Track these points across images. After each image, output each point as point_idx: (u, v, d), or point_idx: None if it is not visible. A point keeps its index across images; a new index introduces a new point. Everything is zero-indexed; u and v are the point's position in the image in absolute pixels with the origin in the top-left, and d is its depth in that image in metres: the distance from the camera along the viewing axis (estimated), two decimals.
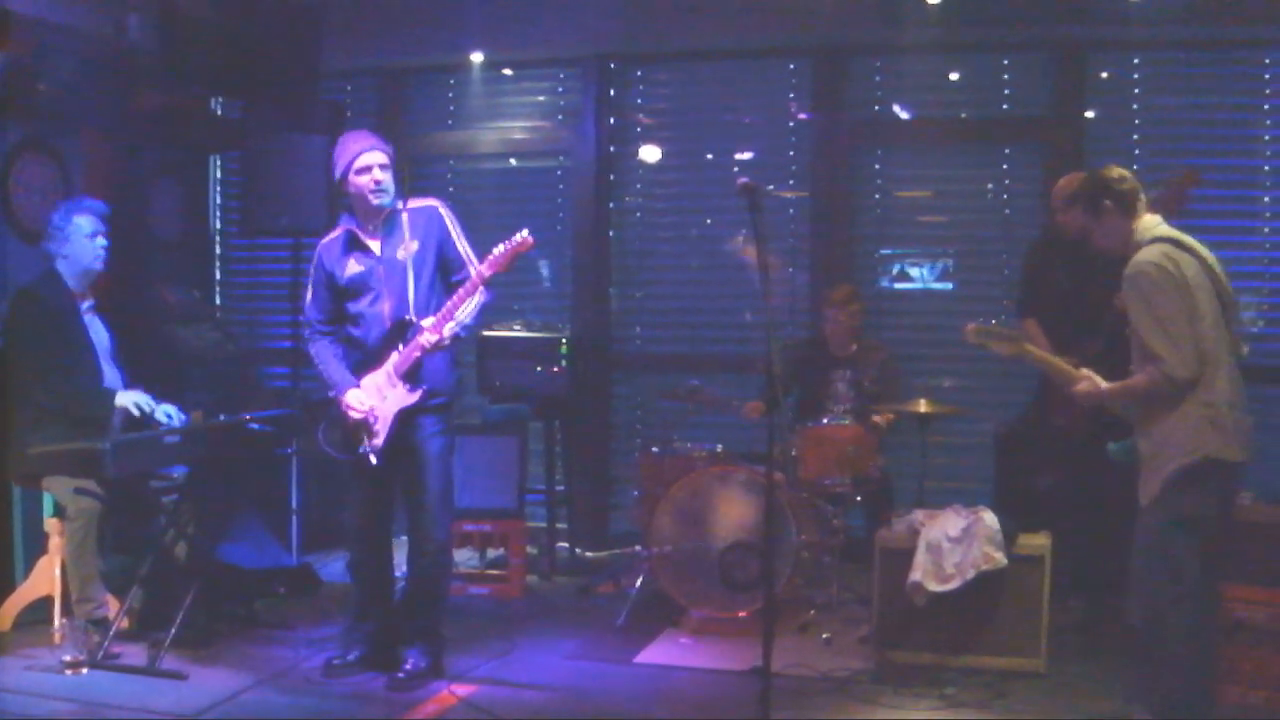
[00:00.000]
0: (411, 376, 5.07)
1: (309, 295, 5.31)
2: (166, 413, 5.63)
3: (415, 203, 5.21)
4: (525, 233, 4.88)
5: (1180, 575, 4.25)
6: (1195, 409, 4.21)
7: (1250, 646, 4.80)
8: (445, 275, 5.17)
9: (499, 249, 4.89)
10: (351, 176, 5.08)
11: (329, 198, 7.02)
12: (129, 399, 5.52)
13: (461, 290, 4.98)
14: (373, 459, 5.13)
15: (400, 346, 5.06)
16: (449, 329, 4.97)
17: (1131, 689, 4.56)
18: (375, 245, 5.13)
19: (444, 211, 5.19)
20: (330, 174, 5.30)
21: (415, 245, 5.09)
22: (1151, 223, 4.41)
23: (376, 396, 5.09)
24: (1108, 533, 5.05)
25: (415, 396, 5.06)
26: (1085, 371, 4.53)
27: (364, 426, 5.11)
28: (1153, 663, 4.30)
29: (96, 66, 6.67)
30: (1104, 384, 4.44)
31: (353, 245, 5.16)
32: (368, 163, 5.05)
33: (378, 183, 5.05)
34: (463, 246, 5.15)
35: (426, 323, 4.98)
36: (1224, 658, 4.74)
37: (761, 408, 6.48)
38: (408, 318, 5.06)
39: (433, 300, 5.12)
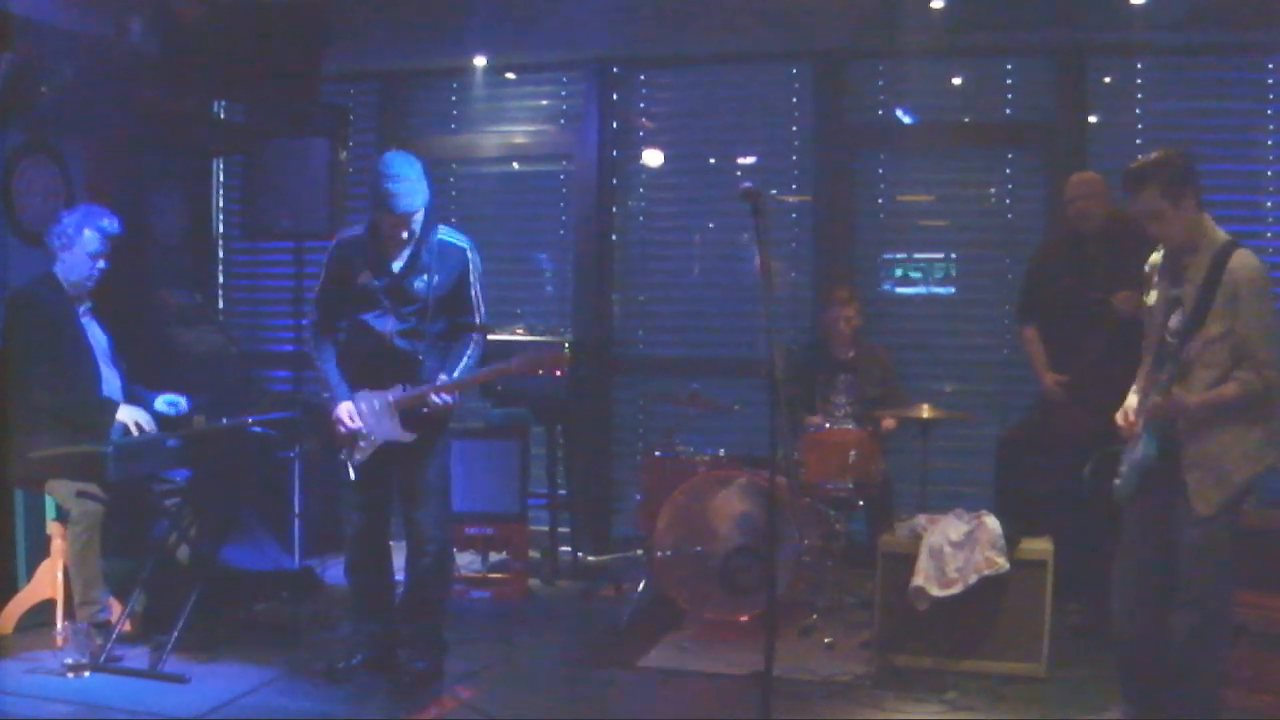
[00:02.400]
0: (410, 416, 5.07)
1: (319, 286, 5.26)
2: (169, 401, 5.63)
3: (448, 235, 5.17)
4: (565, 353, 5.00)
5: (1232, 581, 4.28)
6: (1268, 417, 4.17)
7: (1251, 651, 4.79)
8: (451, 315, 5.17)
9: (537, 356, 5.05)
10: (386, 219, 4.98)
11: (331, 201, 7.03)
12: (130, 416, 5.52)
13: (485, 372, 5.14)
14: (351, 472, 5.14)
15: (403, 382, 5.06)
16: (458, 391, 5.07)
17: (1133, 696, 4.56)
18: (396, 265, 5.09)
19: (471, 256, 5.17)
20: (363, 185, 5.30)
21: (436, 279, 5.08)
22: (1212, 221, 4.28)
23: (370, 417, 5.09)
24: (1110, 538, 5.03)
25: (410, 438, 5.08)
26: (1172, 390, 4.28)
27: (348, 439, 5.11)
28: (1191, 670, 4.27)
29: (99, 69, 6.67)
30: (1193, 395, 4.18)
31: (373, 256, 5.11)
32: (398, 223, 4.96)
33: (404, 238, 5.01)
34: (476, 295, 5.17)
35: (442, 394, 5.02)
36: (1224, 662, 4.74)
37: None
38: (411, 350, 5.08)
39: (434, 333, 5.14)
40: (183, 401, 5.68)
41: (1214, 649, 4.27)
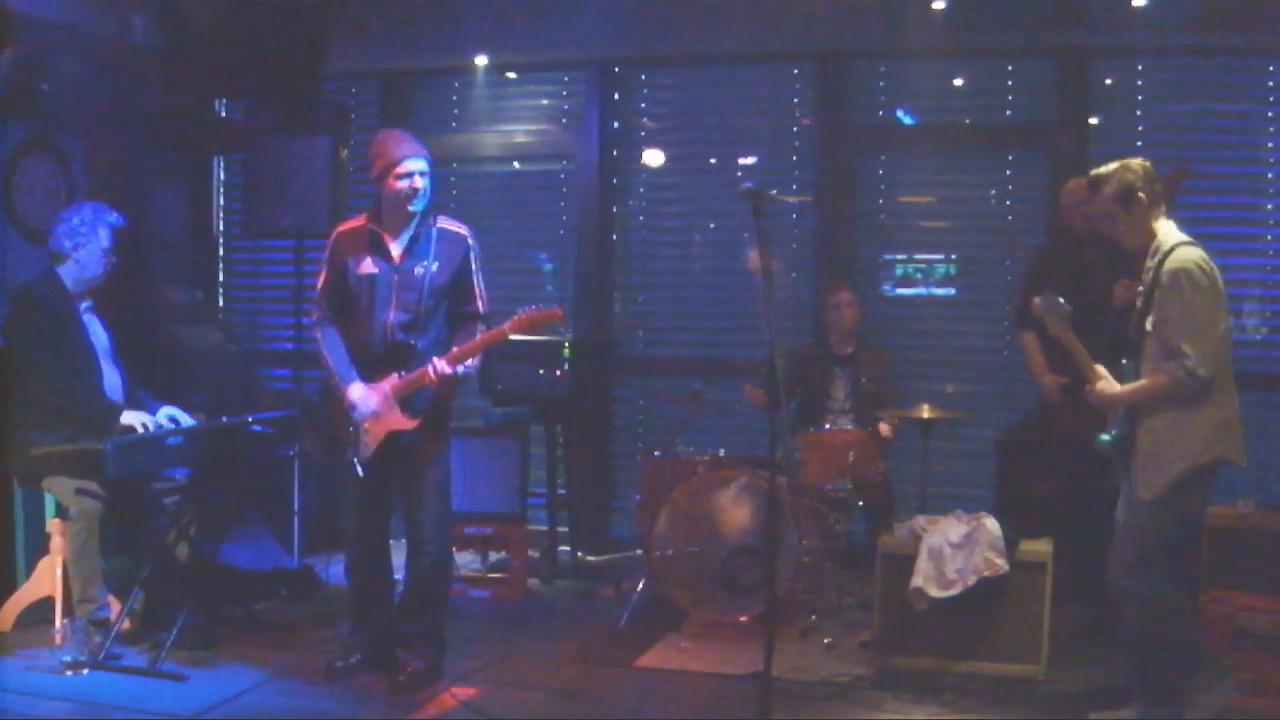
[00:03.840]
0: (410, 403, 5.06)
1: (321, 279, 5.25)
2: (169, 416, 5.63)
3: (447, 223, 5.18)
4: (557, 308, 4.99)
5: (1174, 568, 4.45)
6: (1211, 410, 4.33)
7: (1250, 654, 4.80)
8: (452, 303, 5.16)
9: (528, 312, 4.93)
10: (390, 179, 5.02)
11: (332, 200, 7.03)
12: (135, 419, 5.52)
13: (480, 336, 5.03)
14: (359, 469, 5.13)
15: (400, 371, 5.04)
16: (461, 367, 5.00)
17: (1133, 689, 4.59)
18: (396, 252, 5.10)
19: (471, 243, 5.17)
20: (366, 171, 5.18)
21: (435, 266, 5.08)
22: (1172, 225, 4.50)
23: (370, 409, 5.09)
24: (1109, 539, 5.04)
25: (412, 424, 5.05)
26: (1101, 370, 4.56)
27: (353, 435, 5.10)
28: (1137, 646, 4.50)
29: (101, 67, 6.68)
30: (1119, 386, 4.50)
31: (373, 244, 5.12)
32: (411, 169, 5.01)
33: (416, 190, 5.03)
34: (478, 281, 5.16)
35: (439, 361, 4.95)
36: (1225, 664, 4.75)
37: (762, 394, 6.48)
38: (410, 342, 5.06)
39: (434, 324, 5.13)
40: (184, 417, 5.68)
41: (1150, 639, 4.45)
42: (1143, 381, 4.43)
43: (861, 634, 5.84)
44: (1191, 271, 4.30)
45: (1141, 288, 4.52)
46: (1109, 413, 4.62)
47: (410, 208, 5.05)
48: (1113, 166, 4.58)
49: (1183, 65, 7.21)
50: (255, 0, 6.99)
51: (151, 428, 5.54)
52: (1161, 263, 4.37)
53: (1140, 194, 4.46)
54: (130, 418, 5.51)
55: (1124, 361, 4.55)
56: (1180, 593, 4.51)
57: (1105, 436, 4.58)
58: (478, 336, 5.07)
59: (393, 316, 5.08)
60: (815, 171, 7.74)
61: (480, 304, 5.16)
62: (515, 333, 4.96)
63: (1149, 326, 4.40)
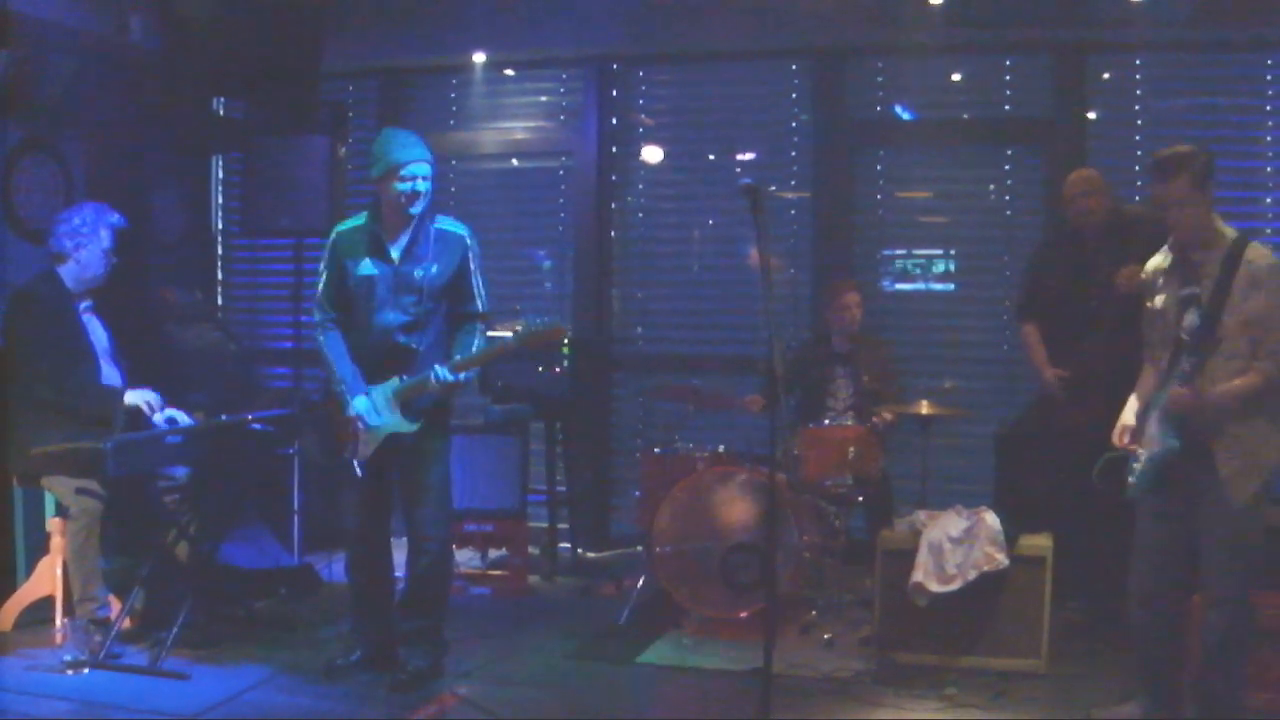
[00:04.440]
0: (411, 405, 5.05)
1: (321, 282, 5.21)
2: (169, 417, 5.63)
3: (446, 223, 5.17)
4: (561, 326, 4.99)
5: (1256, 579, 4.32)
6: None
7: (1252, 649, 4.79)
8: (451, 304, 5.15)
9: (536, 329, 4.92)
10: (393, 181, 5.00)
11: (330, 198, 7.03)
12: (139, 397, 5.52)
13: (486, 350, 5.05)
14: (357, 469, 5.12)
15: (401, 374, 5.03)
16: (464, 375, 5.00)
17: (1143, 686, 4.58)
18: (395, 253, 5.08)
19: (470, 243, 5.15)
20: (368, 169, 5.15)
21: (435, 268, 5.07)
22: (1222, 221, 4.33)
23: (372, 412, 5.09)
24: (1109, 534, 5.04)
25: (413, 428, 5.05)
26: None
27: (352, 435, 5.09)
28: (1217, 669, 4.31)
29: (98, 67, 6.68)
30: (1200, 392, 4.19)
31: (372, 245, 5.10)
32: (414, 173, 4.99)
33: (418, 195, 5.01)
34: (477, 282, 5.15)
35: (442, 368, 4.94)
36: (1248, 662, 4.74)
37: (761, 400, 6.49)
38: (410, 344, 5.06)
39: (434, 325, 5.12)
40: (184, 418, 5.68)
41: (1242, 648, 4.31)
42: (1234, 382, 4.16)
43: (862, 630, 5.84)
44: None
45: (1196, 286, 4.26)
46: (1117, 442, 4.46)
47: (411, 210, 5.04)
48: (1187, 148, 4.29)
49: (1181, 60, 7.21)
50: None
51: (156, 405, 5.55)
52: (1236, 255, 4.17)
53: (1210, 183, 4.25)
54: (134, 396, 5.50)
55: (1183, 363, 4.24)
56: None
57: (1157, 446, 4.30)
58: (477, 340, 5.07)
59: (392, 318, 5.06)
60: (813, 167, 7.74)
61: (479, 303, 5.16)
62: (520, 347, 4.99)
63: (1233, 323, 4.15)
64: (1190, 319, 4.28)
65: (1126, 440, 4.46)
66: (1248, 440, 4.19)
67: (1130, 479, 4.41)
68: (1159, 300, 4.42)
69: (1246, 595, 4.27)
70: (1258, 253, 4.19)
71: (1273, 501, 5.23)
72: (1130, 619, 4.52)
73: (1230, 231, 4.26)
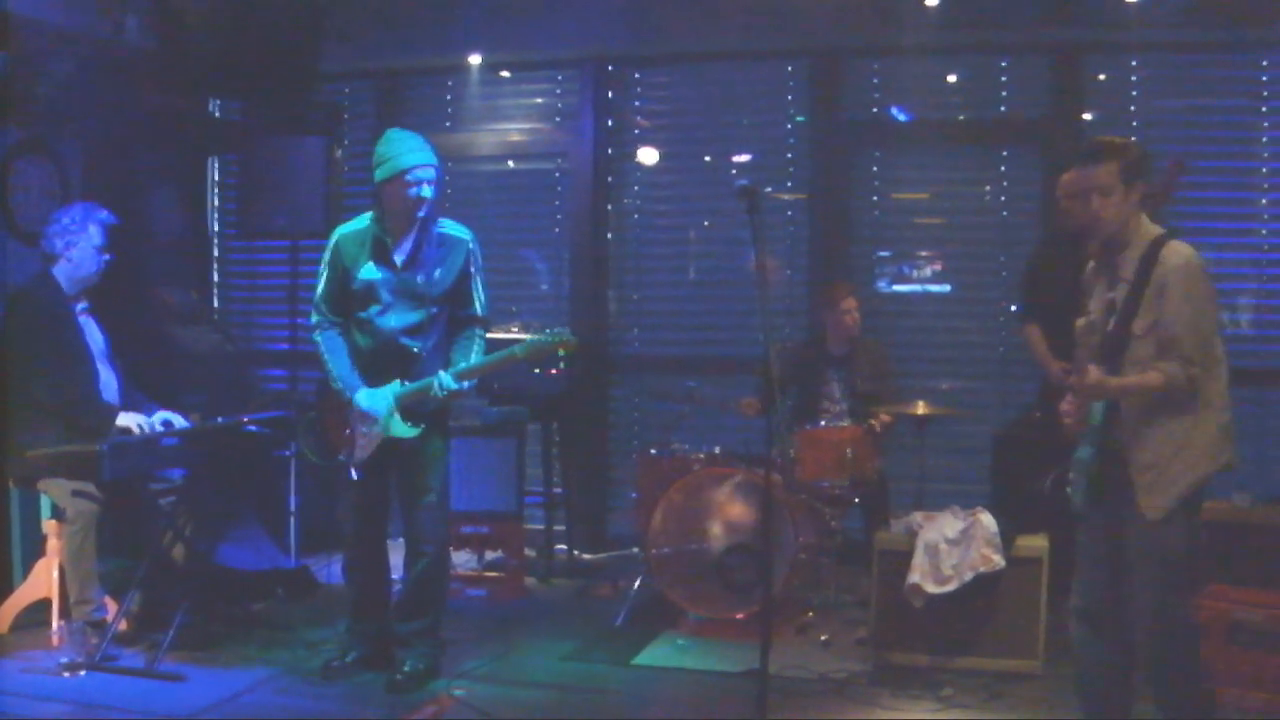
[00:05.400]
0: (411, 410, 5.04)
1: (321, 282, 5.18)
2: (163, 420, 5.63)
3: (449, 227, 5.16)
4: (570, 339, 4.96)
5: (1192, 584, 4.18)
6: (1213, 415, 3.99)
7: (1248, 648, 4.80)
8: (452, 307, 5.15)
9: (545, 340, 4.92)
10: (398, 185, 4.97)
11: (327, 200, 7.02)
12: (131, 420, 5.51)
13: (491, 359, 5.05)
14: (353, 472, 5.12)
15: (403, 378, 5.03)
16: (466, 382, 5.01)
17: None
18: (399, 257, 5.05)
19: (473, 247, 5.15)
20: (370, 170, 5.12)
21: (438, 272, 5.06)
22: (1147, 221, 4.15)
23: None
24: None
25: (413, 434, 5.05)
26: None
27: (348, 437, 5.09)
28: (1161, 673, 4.14)
29: (95, 68, 6.67)
30: (1110, 377, 3.98)
31: (375, 249, 5.07)
32: (420, 178, 4.96)
33: (424, 200, 4.99)
34: (478, 287, 5.15)
35: (446, 376, 4.95)
36: (1222, 659, 4.74)
37: (757, 404, 6.50)
38: (413, 347, 5.05)
39: (436, 329, 5.12)
40: (179, 420, 5.67)
41: (1180, 655, 4.11)
42: (1132, 377, 3.96)
43: (858, 630, 5.84)
44: (1199, 266, 3.96)
45: (1117, 289, 4.08)
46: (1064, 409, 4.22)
47: (416, 214, 5.02)
48: (1121, 140, 4.09)
49: (1176, 60, 7.22)
50: (249, 1, 6.98)
51: (147, 430, 5.54)
52: (1152, 255, 3.98)
53: (1140, 179, 4.03)
54: (126, 419, 5.50)
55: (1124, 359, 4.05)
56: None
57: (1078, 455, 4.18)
58: (477, 346, 5.08)
59: (395, 322, 5.05)
60: (810, 169, 7.75)
61: (478, 308, 5.16)
62: (525, 360, 5.00)
63: (1141, 325, 3.96)
64: (1113, 322, 4.10)
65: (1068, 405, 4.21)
66: (1159, 451, 3.98)
67: (1069, 490, 4.27)
68: (1092, 306, 4.24)
69: (1173, 604, 4.04)
70: (1172, 251, 3.98)
71: (1267, 501, 5.27)
72: (1072, 643, 4.33)
73: (1154, 230, 4.08)
